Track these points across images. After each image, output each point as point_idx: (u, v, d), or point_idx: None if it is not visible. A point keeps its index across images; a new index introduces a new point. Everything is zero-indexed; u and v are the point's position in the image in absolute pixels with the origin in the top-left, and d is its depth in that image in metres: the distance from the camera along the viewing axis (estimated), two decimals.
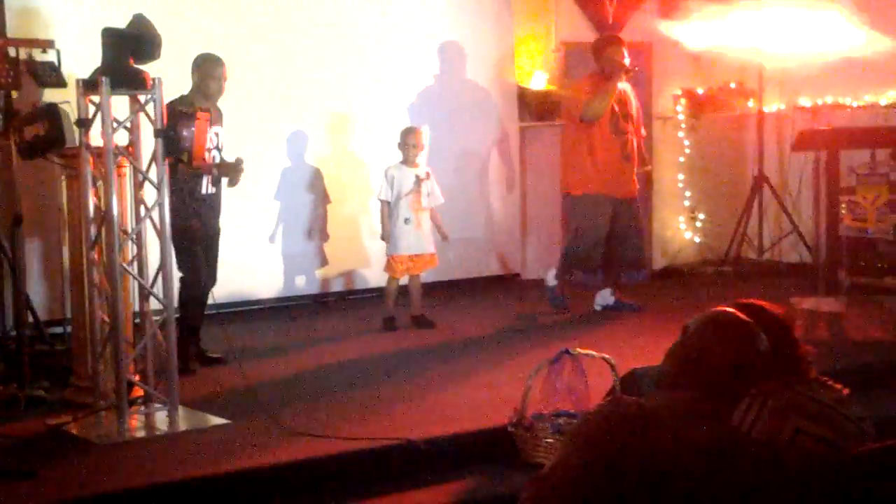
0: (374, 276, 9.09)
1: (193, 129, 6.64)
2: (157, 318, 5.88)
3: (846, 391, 3.16)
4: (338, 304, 9.21)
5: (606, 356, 5.28)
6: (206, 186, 7.00)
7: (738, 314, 2.99)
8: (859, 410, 3.09)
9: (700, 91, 10.97)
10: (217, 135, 7.03)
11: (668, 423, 2.71)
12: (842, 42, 9.40)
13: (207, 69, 7.02)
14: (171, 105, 6.70)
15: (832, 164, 8.93)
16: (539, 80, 10.14)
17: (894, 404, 5.80)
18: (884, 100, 9.73)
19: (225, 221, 7.33)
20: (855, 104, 9.98)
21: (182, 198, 6.82)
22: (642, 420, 2.67)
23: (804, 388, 3.07)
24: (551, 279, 8.60)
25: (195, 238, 6.96)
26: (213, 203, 7.10)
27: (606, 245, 8.42)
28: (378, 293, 8.68)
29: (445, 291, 9.31)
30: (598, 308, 8.67)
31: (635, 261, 8.57)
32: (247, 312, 8.70)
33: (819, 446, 2.93)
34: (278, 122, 8.92)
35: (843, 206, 8.71)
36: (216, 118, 7.06)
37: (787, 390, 3.03)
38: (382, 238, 8.25)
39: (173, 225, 6.54)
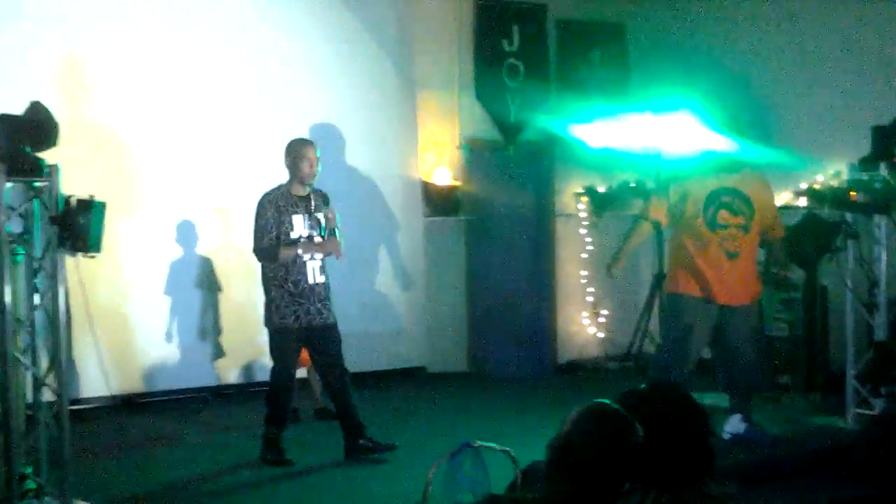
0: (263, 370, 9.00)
1: (90, 216, 6.54)
2: (51, 408, 5.74)
3: (734, 488, 3.19)
4: (237, 396, 9.07)
5: (506, 449, 5.26)
6: (312, 275, 6.87)
7: (610, 407, 2.99)
8: None
9: (601, 189, 11.15)
10: (319, 221, 6.93)
11: None
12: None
13: (298, 151, 6.94)
14: (267, 196, 6.86)
15: None
16: (443, 176, 10.23)
17: (786, 500, 5.85)
18: (777, 201, 9.95)
19: (122, 310, 7.22)
20: None
21: (282, 293, 6.77)
22: None
23: (697, 483, 3.09)
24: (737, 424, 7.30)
25: (291, 335, 6.85)
26: (320, 293, 6.92)
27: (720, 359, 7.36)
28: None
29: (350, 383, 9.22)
30: (726, 437, 7.20)
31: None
32: (143, 404, 8.50)
33: None
34: (168, 212, 8.86)
35: None
36: (318, 205, 6.96)
37: (681, 486, 3.04)
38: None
39: (277, 325, 6.77)
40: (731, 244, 7.12)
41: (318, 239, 6.92)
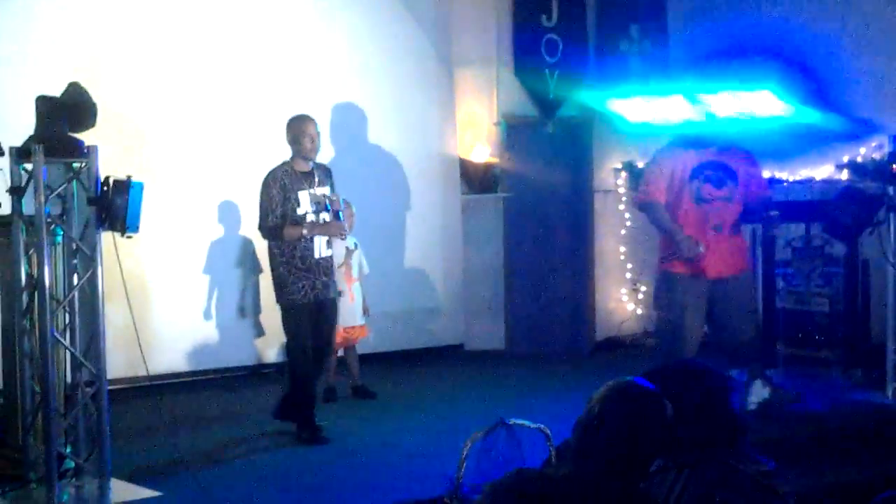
0: None
1: (128, 197, 6.58)
2: (90, 388, 5.79)
3: (772, 464, 3.17)
4: (276, 375, 9.12)
5: (541, 426, 5.27)
6: (319, 249, 6.93)
7: (639, 384, 2.99)
8: (784, 484, 3.10)
9: (640, 165, 11.08)
10: (325, 196, 6.96)
11: (573, 499, 2.69)
12: (775, 119, 9.59)
13: (298, 128, 6.95)
14: (274, 172, 6.87)
15: (769, 237, 9.04)
16: (481, 153, 10.21)
17: (827, 474, 5.82)
18: (818, 174, 9.89)
19: (159, 290, 7.24)
20: (791, 179, 10.13)
21: (290, 269, 6.82)
22: (543, 496, 2.66)
23: (732, 460, 3.08)
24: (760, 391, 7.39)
25: (302, 312, 6.89)
26: (327, 267, 7.00)
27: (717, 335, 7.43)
28: None
29: (387, 362, 9.27)
30: (753, 407, 7.20)
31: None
32: (181, 384, 8.58)
33: None
34: (208, 193, 8.89)
35: (780, 278, 8.79)
36: (322, 179, 7.00)
37: (712, 463, 3.03)
38: None
39: (283, 301, 6.86)
40: (715, 217, 7.12)
41: (323, 216, 6.93)
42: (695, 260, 7.03)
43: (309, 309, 6.89)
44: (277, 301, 6.98)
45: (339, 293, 7.96)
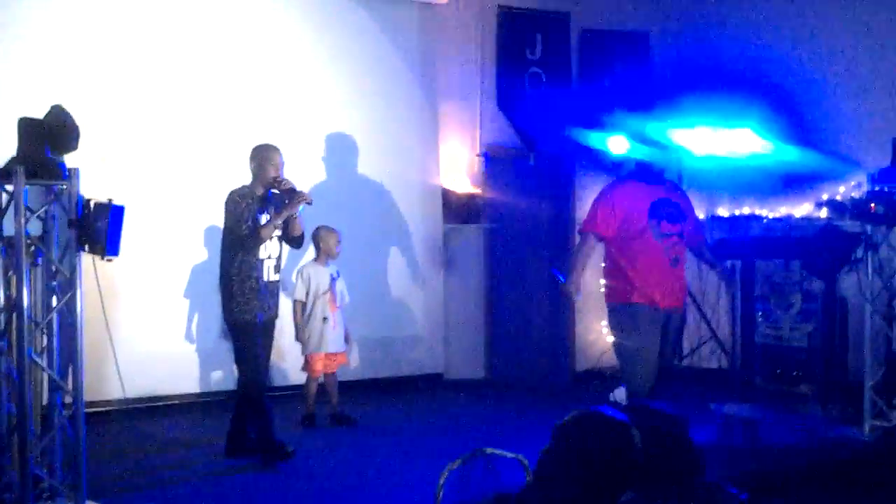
0: (291, 372, 9.06)
1: (109, 220, 6.58)
2: (67, 410, 5.78)
3: (744, 496, 3.19)
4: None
5: (519, 455, 5.27)
6: (267, 273, 7.01)
7: (606, 413, 3.02)
8: None
9: None
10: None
11: None
12: (755, 156, 9.70)
13: (265, 156, 7.04)
14: (238, 191, 6.96)
15: (748, 273, 9.11)
16: (463, 184, 10.26)
17: None
18: (798, 212, 9.97)
19: (138, 313, 7.23)
20: (770, 216, 10.21)
21: (244, 289, 6.87)
22: None
23: (703, 491, 3.10)
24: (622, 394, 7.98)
25: (256, 331, 6.93)
26: (274, 289, 7.09)
27: None
28: (295, 390, 8.60)
29: (367, 389, 9.27)
30: (611, 399, 8.03)
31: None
32: (159, 407, 8.57)
33: None
34: (189, 217, 8.92)
35: (759, 314, 8.85)
36: (274, 205, 7.06)
37: (684, 493, 3.05)
38: (298, 339, 8.21)
39: (236, 319, 6.87)
40: (673, 251, 7.29)
41: (273, 243, 7.04)
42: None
43: (260, 329, 6.96)
44: (228, 320, 7.01)
45: (325, 319, 8.01)
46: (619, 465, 2.89)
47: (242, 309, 6.88)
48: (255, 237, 6.86)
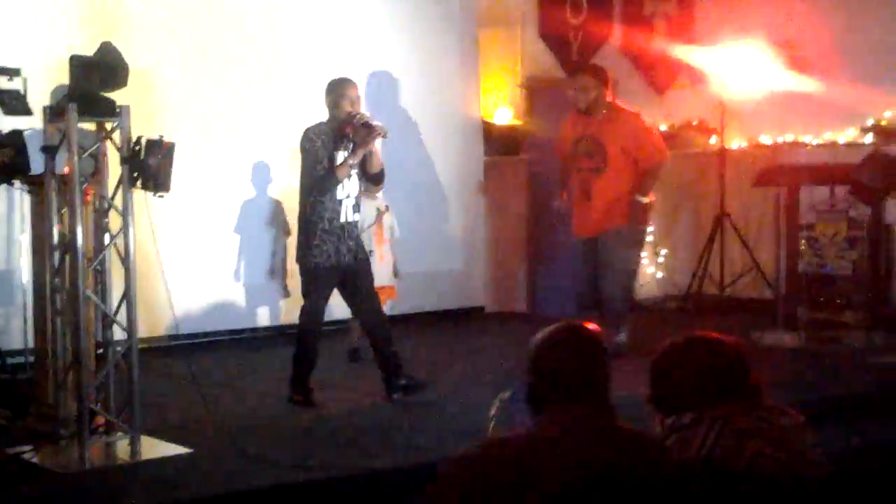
0: (336, 308, 9.11)
1: (160, 157, 6.61)
2: (120, 347, 5.85)
3: (802, 419, 3.22)
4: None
5: None
6: (345, 214, 6.84)
7: (569, 326, 3.12)
8: (813, 440, 3.15)
9: (663, 128, 11.08)
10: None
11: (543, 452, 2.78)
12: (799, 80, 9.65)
13: (341, 90, 6.85)
14: (313, 128, 6.81)
15: (792, 201, 9.05)
16: (504, 116, 10.22)
17: (848, 437, 5.84)
18: (842, 138, 9.88)
19: (189, 250, 7.28)
20: (814, 142, 10.13)
21: (319, 231, 6.74)
22: (505, 460, 2.76)
23: (763, 413, 3.13)
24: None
25: (322, 275, 6.80)
26: (353, 230, 6.92)
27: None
28: (341, 325, 8.66)
29: (411, 323, 9.32)
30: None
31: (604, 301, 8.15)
32: (210, 343, 8.69)
33: (776, 469, 2.98)
34: (239, 154, 8.96)
35: (803, 242, 8.80)
36: (349, 142, 6.85)
37: (745, 415, 3.09)
38: None
39: (306, 262, 6.81)
40: (585, 185, 7.97)
41: (352, 182, 6.87)
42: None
43: (332, 274, 6.83)
44: (298, 261, 6.92)
45: (370, 252, 8.01)
46: (572, 368, 2.97)
47: (314, 252, 6.75)
48: (332, 177, 6.71)
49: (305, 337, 6.88)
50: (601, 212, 8.05)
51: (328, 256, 6.79)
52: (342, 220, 6.81)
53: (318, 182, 6.74)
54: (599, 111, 7.92)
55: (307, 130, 6.82)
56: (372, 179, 7.07)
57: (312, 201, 6.79)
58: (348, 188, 6.86)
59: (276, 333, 9.12)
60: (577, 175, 8.04)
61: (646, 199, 7.98)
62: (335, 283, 6.90)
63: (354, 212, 6.92)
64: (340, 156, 6.77)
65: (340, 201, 6.82)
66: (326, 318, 9.13)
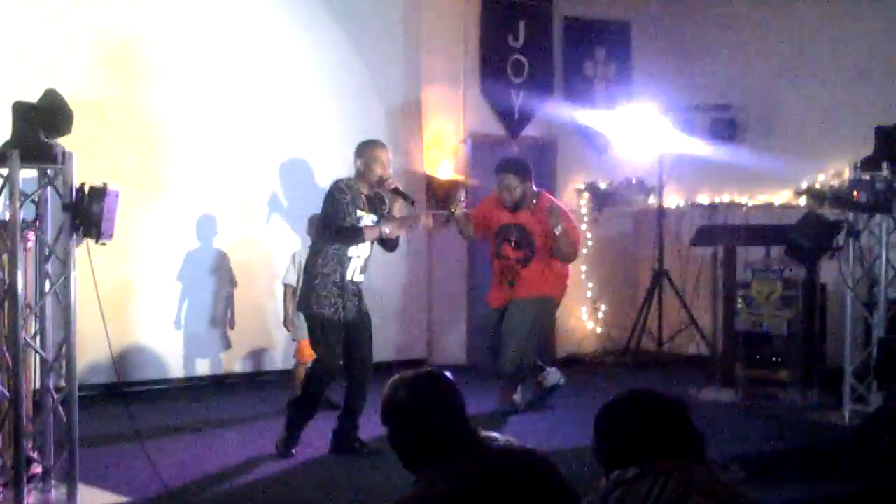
0: (280, 358, 9.12)
1: (103, 204, 6.57)
2: (59, 393, 5.79)
3: (743, 474, 3.27)
4: (243, 385, 9.14)
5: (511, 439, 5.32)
6: (353, 272, 6.79)
7: (420, 372, 3.18)
8: (752, 494, 3.21)
9: (603, 186, 11.24)
10: (374, 223, 6.82)
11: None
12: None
13: (373, 154, 6.80)
14: (342, 181, 6.77)
15: (729, 259, 9.21)
16: (446, 170, 10.30)
17: (783, 493, 5.90)
18: (777, 199, 10.08)
19: (131, 298, 7.21)
20: (750, 203, 10.33)
21: (325, 283, 6.69)
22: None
23: (705, 468, 3.18)
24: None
25: (330, 327, 6.74)
26: (357, 290, 6.86)
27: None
28: (285, 375, 8.63)
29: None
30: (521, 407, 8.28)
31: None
32: (150, 392, 8.61)
33: None
34: (184, 202, 8.94)
35: (740, 300, 8.94)
36: (380, 206, 6.88)
37: (689, 469, 3.13)
38: (284, 324, 8.23)
39: (312, 312, 6.75)
40: (509, 273, 8.06)
41: (366, 245, 6.85)
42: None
43: (338, 328, 6.76)
44: (304, 311, 6.86)
45: None
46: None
47: (319, 303, 6.71)
48: (359, 234, 6.67)
49: (313, 386, 6.78)
50: (522, 292, 8.14)
51: (335, 310, 6.74)
52: (348, 277, 6.79)
53: (342, 232, 6.67)
54: (527, 205, 8.03)
55: (339, 182, 6.79)
56: (386, 245, 7.02)
57: (326, 254, 6.73)
58: (360, 249, 6.83)
59: (215, 382, 9.07)
60: (500, 263, 8.11)
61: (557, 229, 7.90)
62: (342, 335, 6.81)
63: (361, 272, 6.88)
64: (363, 216, 6.74)
65: (350, 258, 6.78)
66: (270, 366, 9.18)
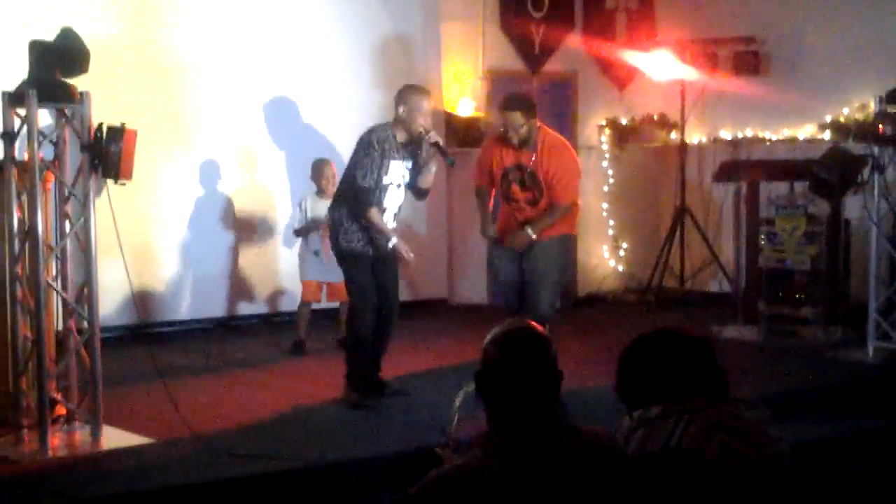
0: (287, 301, 9.13)
1: (122, 144, 6.53)
2: (82, 335, 5.80)
3: (769, 412, 3.24)
4: (252, 327, 9.17)
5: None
6: (387, 220, 6.67)
7: (522, 327, 3.11)
8: (778, 433, 3.17)
9: (624, 122, 11.14)
10: (409, 170, 6.69)
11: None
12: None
13: (418, 103, 6.60)
14: (377, 133, 6.55)
15: (752, 195, 9.12)
16: (466, 107, 10.21)
17: (807, 431, 5.89)
18: (801, 134, 9.96)
19: (151, 238, 7.21)
20: (774, 138, 10.21)
21: (356, 223, 6.59)
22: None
23: (729, 406, 3.15)
24: None
25: (363, 261, 6.64)
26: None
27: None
28: (294, 316, 8.62)
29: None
30: None
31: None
32: (172, 332, 8.66)
33: (743, 462, 3.00)
34: (191, 152, 8.91)
35: (763, 237, 8.86)
36: (413, 152, 6.71)
37: (714, 408, 3.11)
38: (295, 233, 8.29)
39: (342, 248, 6.64)
40: (519, 214, 7.48)
41: (402, 190, 6.72)
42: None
43: (369, 260, 6.66)
44: (335, 248, 6.77)
45: (315, 253, 8.00)
46: (529, 376, 2.95)
47: (349, 238, 6.61)
48: (362, 207, 6.53)
49: (356, 324, 6.67)
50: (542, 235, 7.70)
51: (363, 244, 6.62)
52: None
53: (362, 192, 6.54)
54: (532, 143, 7.78)
55: (372, 131, 6.60)
56: (420, 194, 6.91)
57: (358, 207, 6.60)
58: (395, 198, 6.71)
59: (219, 325, 9.14)
60: (509, 205, 7.61)
61: (533, 234, 7.38)
62: (370, 267, 6.69)
63: (392, 219, 6.76)
64: (394, 165, 6.57)
65: (386, 209, 6.67)
66: (279, 308, 9.18)
